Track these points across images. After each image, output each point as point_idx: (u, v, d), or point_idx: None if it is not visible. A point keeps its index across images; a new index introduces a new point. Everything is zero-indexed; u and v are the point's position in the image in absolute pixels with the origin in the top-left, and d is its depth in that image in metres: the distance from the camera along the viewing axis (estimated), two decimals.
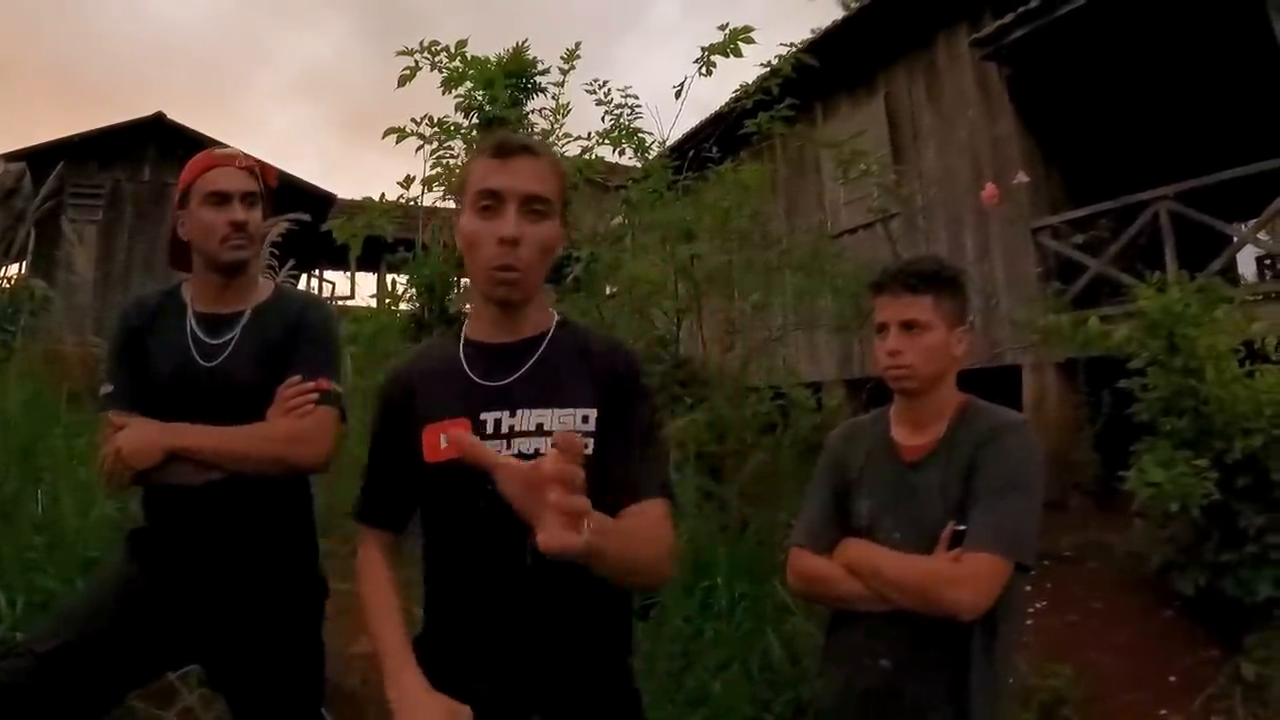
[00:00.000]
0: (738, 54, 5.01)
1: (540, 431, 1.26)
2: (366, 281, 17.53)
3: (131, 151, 14.29)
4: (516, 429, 1.27)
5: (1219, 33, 6.36)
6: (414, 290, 9.35)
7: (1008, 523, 1.50)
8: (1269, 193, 5.53)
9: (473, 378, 1.32)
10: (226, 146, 1.97)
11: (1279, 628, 3.37)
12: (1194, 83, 7.26)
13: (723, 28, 4.91)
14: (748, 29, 4.91)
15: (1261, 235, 6.05)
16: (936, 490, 1.59)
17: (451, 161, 6.35)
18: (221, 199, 1.78)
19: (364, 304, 14.10)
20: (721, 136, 5.62)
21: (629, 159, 5.48)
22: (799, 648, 3.33)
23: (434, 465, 1.28)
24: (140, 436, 1.66)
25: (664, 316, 5.62)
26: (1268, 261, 8.80)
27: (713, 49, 4.95)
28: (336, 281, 15.77)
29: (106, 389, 1.82)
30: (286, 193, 14.59)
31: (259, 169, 1.88)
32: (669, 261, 5.17)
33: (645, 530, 1.22)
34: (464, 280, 9.59)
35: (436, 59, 5.16)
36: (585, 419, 1.28)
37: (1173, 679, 3.61)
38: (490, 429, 1.27)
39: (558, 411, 1.28)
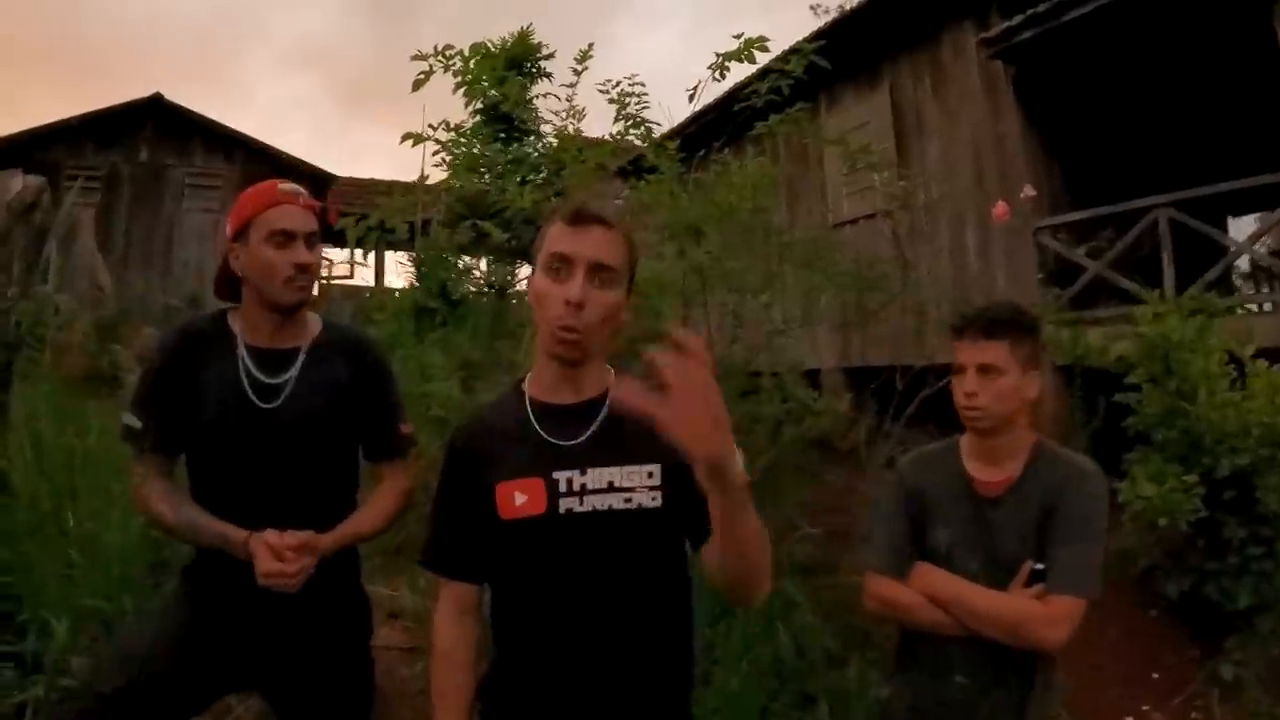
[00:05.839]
0: (751, 60, 5.12)
1: (611, 489, 1.34)
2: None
3: (129, 133, 14.17)
4: (589, 487, 1.34)
5: (1224, 42, 6.44)
6: (416, 271, 9.40)
7: (1086, 566, 1.65)
8: (1269, 198, 5.66)
9: (545, 437, 1.38)
10: (285, 181, 1.83)
11: (1257, 633, 3.58)
12: (1198, 90, 7.35)
13: (738, 36, 5.02)
14: (763, 38, 5.00)
15: (1260, 245, 6.18)
16: (1014, 528, 1.72)
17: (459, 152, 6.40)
18: (286, 238, 1.73)
19: (363, 283, 14.14)
20: (726, 122, 5.72)
21: (635, 138, 5.52)
22: (805, 641, 3.51)
23: (509, 521, 1.35)
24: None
25: (669, 311, 5.75)
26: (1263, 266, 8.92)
27: (727, 55, 5.05)
28: (334, 259, 15.67)
29: (133, 423, 1.75)
30: (288, 174, 14.55)
31: (321, 210, 1.84)
32: (678, 259, 5.30)
33: (764, 536, 1.22)
34: (462, 260, 9.67)
35: (450, 62, 5.20)
36: (651, 474, 1.35)
37: (1156, 676, 3.82)
38: (564, 487, 1.34)
39: (626, 469, 1.35)
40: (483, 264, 10.44)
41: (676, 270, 5.37)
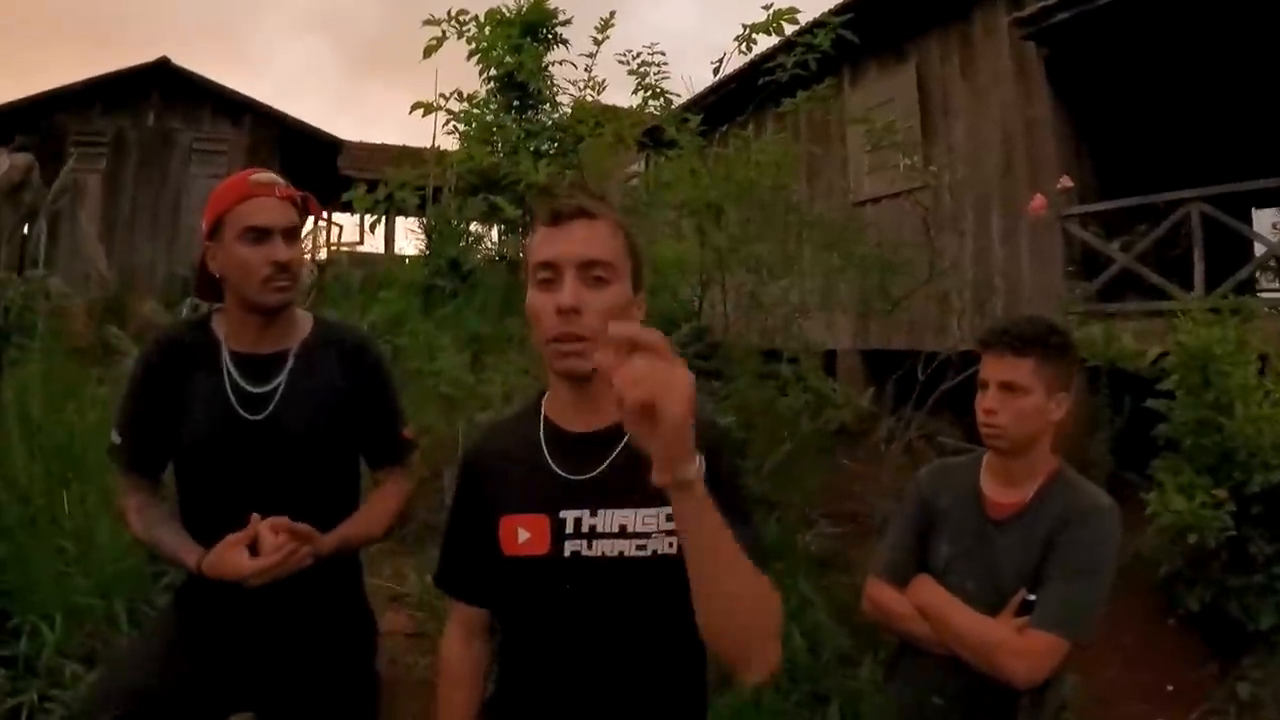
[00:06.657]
0: (780, 33, 4.97)
1: (624, 534, 1.22)
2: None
3: (136, 98, 13.87)
4: (598, 529, 1.22)
5: (1266, 30, 6.21)
6: (427, 239, 9.31)
7: (1075, 606, 1.58)
8: None
9: (555, 470, 1.26)
10: (261, 171, 1.69)
11: (1277, 653, 3.50)
12: (1237, 80, 7.13)
13: (767, 7, 4.86)
14: (793, 10, 4.85)
15: None
16: (1015, 553, 1.66)
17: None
18: (261, 235, 1.60)
19: (372, 250, 13.99)
20: (747, 93, 5.59)
21: (654, 109, 5.37)
22: (819, 640, 3.46)
23: (511, 558, 1.26)
24: None
25: (688, 289, 5.66)
26: None
27: (755, 27, 4.91)
28: (344, 225, 15.50)
29: (115, 439, 1.71)
30: (297, 140, 14.42)
31: (301, 199, 1.69)
32: (697, 238, 5.20)
33: (756, 578, 1.07)
34: (472, 225, 9.53)
35: (465, 29, 5.04)
36: (670, 517, 1.18)
37: (1171, 688, 3.76)
38: (571, 528, 1.23)
39: (641, 512, 1.22)
40: (494, 234, 10.34)
41: (695, 251, 5.28)
